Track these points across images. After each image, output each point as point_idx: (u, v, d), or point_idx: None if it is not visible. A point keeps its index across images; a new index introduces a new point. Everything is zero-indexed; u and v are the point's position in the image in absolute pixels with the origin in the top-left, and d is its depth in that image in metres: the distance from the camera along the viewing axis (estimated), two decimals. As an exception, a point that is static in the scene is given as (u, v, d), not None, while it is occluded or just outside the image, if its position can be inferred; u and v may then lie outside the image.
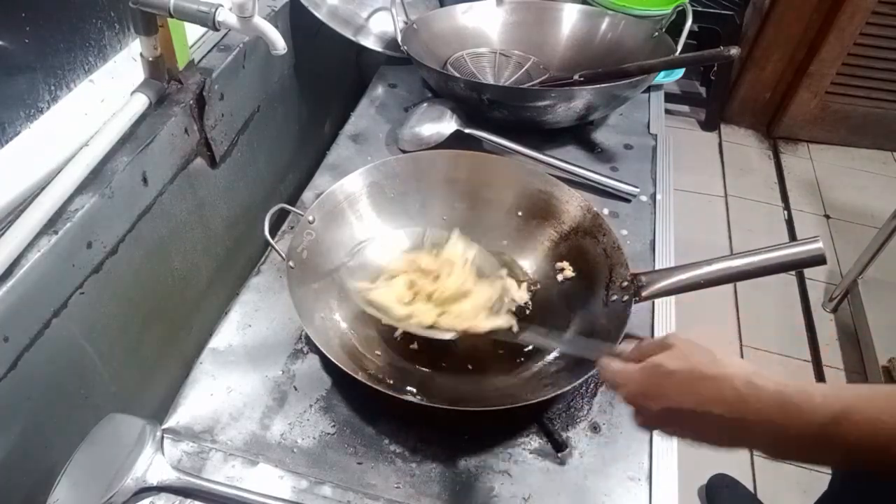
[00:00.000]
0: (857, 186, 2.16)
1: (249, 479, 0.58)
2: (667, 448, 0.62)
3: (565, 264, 0.72)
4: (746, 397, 0.39)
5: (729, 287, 1.79)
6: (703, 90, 2.45)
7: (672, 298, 0.73)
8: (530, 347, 0.68)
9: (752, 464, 1.33)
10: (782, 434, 0.38)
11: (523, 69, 1.07)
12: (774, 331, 1.70)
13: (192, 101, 0.74)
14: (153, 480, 0.54)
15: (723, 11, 2.06)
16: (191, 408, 0.63)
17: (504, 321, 0.62)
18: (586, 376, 0.66)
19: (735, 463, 1.31)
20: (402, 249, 0.74)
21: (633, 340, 0.48)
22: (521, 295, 0.69)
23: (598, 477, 0.59)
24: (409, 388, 0.63)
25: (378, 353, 0.67)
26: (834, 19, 2.01)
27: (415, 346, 0.67)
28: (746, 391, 0.39)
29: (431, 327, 0.62)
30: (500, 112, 0.92)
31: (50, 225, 0.57)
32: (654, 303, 0.74)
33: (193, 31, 0.78)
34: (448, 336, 0.62)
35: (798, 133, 2.34)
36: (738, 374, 0.40)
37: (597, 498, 0.58)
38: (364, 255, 0.73)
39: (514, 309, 0.66)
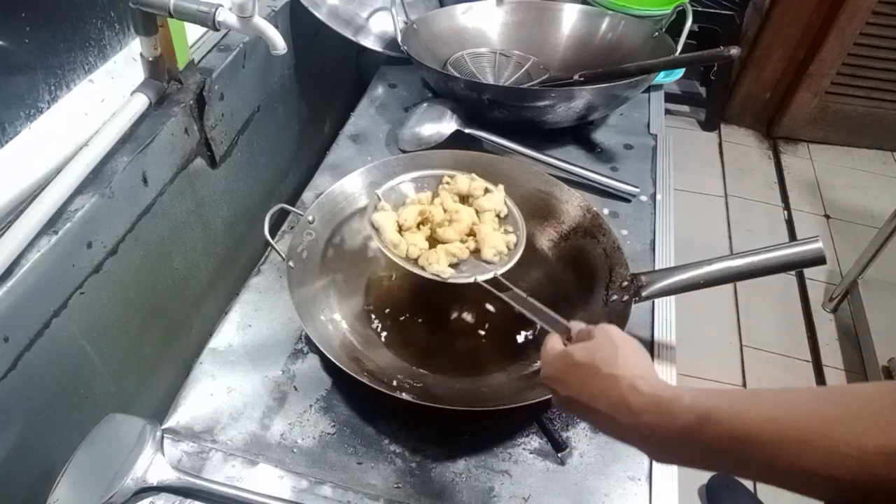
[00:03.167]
0: (857, 186, 2.16)
1: (249, 479, 0.58)
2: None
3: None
4: (627, 398, 0.43)
5: (729, 287, 1.80)
6: (703, 90, 2.46)
7: (672, 298, 0.73)
8: (525, 339, 0.68)
9: (752, 464, 1.33)
10: (655, 434, 0.41)
11: (523, 69, 1.07)
12: (774, 331, 1.70)
13: (192, 101, 0.74)
14: (153, 480, 0.54)
15: (723, 11, 2.06)
16: (191, 408, 0.63)
17: (485, 263, 0.62)
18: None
19: (735, 463, 1.31)
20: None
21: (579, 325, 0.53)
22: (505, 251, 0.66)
23: (598, 477, 0.59)
24: (408, 387, 0.63)
25: (378, 353, 0.67)
26: (834, 19, 2.01)
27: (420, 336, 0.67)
28: (628, 392, 0.43)
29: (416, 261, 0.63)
30: (500, 112, 0.92)
31: (50, 225, 0.57)
32: (654, 303, 0.74)
33: (193, 31, 0.78)
34: (427, 275, 0.61)
35: (798, 133, 2.34)
36: (624, 376, 0.44)
37: (597, 498, 0.58)
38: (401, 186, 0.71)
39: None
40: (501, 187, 0.69)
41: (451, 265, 0.62)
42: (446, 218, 0.65)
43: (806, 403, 0.36)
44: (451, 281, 0.61)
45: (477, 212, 0.67)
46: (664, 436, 0.40)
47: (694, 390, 0.41)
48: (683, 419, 0.39)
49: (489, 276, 0.60)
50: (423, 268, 0.62)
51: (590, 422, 0.48)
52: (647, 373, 0.44)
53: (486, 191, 0.68)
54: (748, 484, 1.26)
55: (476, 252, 0.64)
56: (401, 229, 0.65)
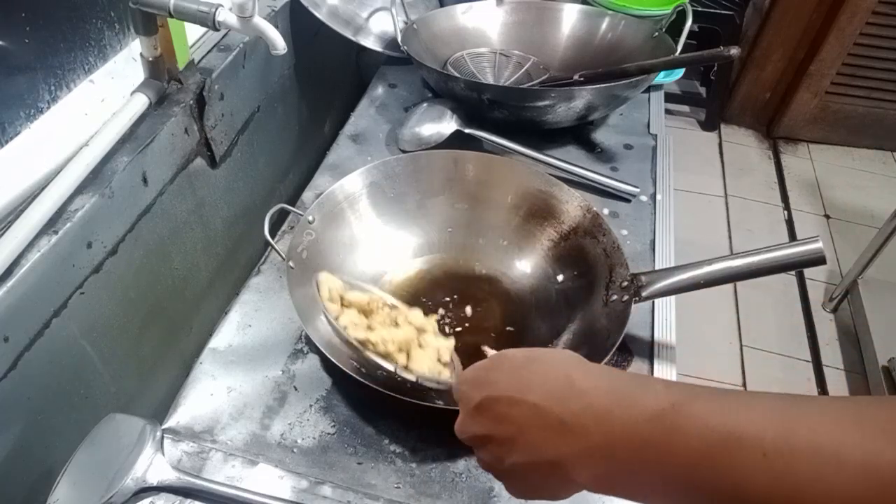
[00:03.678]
0: (857, 186, 2.16)
1: (249, 479, 0.58)
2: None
3: None
4: (573, 376, 0.33)
5: (729, 287, 1.80)
6: (703, 90, 2.46)
7: (672, 298, 0.73)
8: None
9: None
10: (604, 429, 0.31)
11: (523, 69, 1.07)
12: (774, 331, 1.70)
13: (192, 101, 0.74)
14: (153, 480, 0.54)
15: (723, 11, 2.06)
16: (191, 408, 0.63)
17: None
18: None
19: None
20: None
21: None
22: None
23: (598, 477, 0.59)
24: (409, 387, 0.62)
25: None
26: (834, 19, 2.02)
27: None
28: (575, 371, 0.33)
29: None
30: (500, 112, 0.92)
31: (50, 225, 0.57)
32: (654, 303, 0.74)
33: (193, 31, 0.78)
34: (349, 338, 0.54)
35: (798, 133, 2.34)
36: (571, 361, 0.35)
37: (596, 498, 0.58)
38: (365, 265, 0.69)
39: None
40: (452, 341, 0.58)
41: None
42: (389, 318, 0.57)
43: (828, 409, 0.27)
44: (369, 354, 0.53)
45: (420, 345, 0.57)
46: (617, 432, 0.30)
47: (668, 380, 0.32)
48: (650, 405, 0.30)
49: (411, 377, 0.52)
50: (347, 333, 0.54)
51: (502, 438, 0.35)
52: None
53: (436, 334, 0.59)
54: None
55: (405, 368, 0.55)
56: (341, 303, 0.58)
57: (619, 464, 0.31)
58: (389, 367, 0.52)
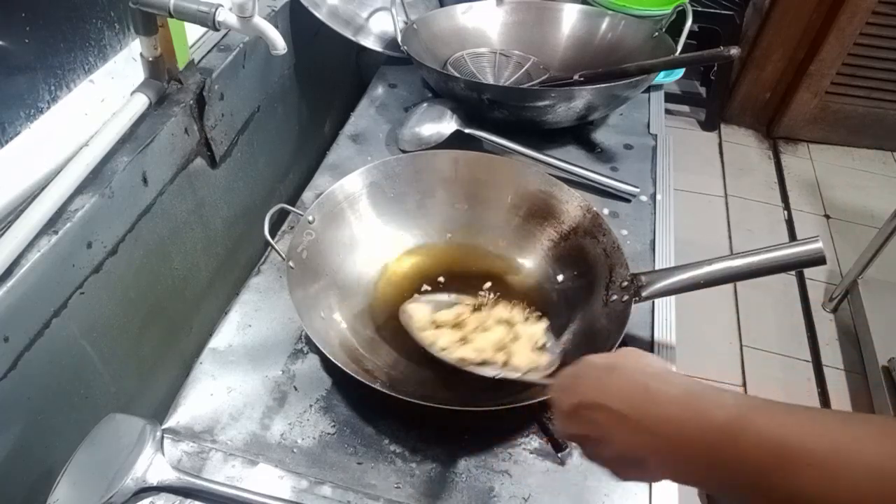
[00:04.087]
0: (857, 186, 2.16)
1: (249, 479, 0.58)
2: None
3: None
4: (651, 388, 0.38)
5: (729, 287, 1.80)
6: (703, 90, 2.46)
7: (672, 298, 0.73)
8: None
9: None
10: (681, 434, 0.35)
11: (523, 69, 1.07)
12: (774, 331, 1.70)
13: (192, 101, 0.74)
14: (153, 480, 0.54)
15: (723, 11, 2.06)
16: (191, 408, 0.63)
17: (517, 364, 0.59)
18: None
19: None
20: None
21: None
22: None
23: (598, 477, 0.59)
24: (408, 387, 0.63)
25: (378, 353, 0.67)
26: (834, 19, 2.02)
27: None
28: (653, 382, 0.38)
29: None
30: (500, 112, 0.92)
31: (50, 225, 0.57)
32: (654, 303, 0.74)
33: (193, 31, 0.78)
34: (450, 360, 0.59)
35: (798, 133, 2.34)
36: (650, 372, 0.39)
37: (597, 498, 0.58)
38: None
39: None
40: (545, 322, 0.63)
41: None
42: (479, 324, 0.62)
43: (890, 430, 0.30)
44: (469, 368, 0.58)
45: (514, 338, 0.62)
46: (691, 436, 0.35)
47: (736, 392, 0.36)
48: (718, 417, 0.34)
49: (513, 376, 0.57)
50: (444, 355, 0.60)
51: (594, 437, 0.41)
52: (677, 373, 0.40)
53: (527, 320, 0.64)
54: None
55: (504, 364, 0.60)
56: (435, 326, 0.63)
57: (689, 465, 0.36)
58: (490, 373, 0.57)
